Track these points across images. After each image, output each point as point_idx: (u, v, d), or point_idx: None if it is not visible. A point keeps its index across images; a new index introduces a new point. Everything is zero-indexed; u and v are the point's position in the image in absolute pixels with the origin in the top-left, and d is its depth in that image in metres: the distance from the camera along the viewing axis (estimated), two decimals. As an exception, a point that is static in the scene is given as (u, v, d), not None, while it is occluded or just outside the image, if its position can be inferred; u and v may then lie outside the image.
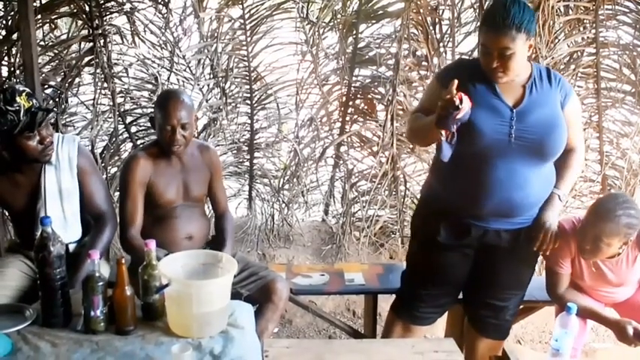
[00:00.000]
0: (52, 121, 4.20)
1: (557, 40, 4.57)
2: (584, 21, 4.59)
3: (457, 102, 2.23)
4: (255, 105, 4.96)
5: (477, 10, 4.51)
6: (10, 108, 2.52)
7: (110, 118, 4.67)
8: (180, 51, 4.67)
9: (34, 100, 2.62)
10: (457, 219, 2.69)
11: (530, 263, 2.89)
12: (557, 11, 4.41)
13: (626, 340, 2.80)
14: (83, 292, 2.22)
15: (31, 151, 2.65)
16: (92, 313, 2.22)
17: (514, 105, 2.51)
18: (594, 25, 4.54)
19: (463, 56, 4.61)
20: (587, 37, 4.63)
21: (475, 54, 4.39)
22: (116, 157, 4.79)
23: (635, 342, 2.77)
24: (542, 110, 2.51)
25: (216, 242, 3.13)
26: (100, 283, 2.20)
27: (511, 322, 3.03)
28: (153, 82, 4.68)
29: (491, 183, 2.52)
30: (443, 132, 2.33)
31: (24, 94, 2.58)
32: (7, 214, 3.54)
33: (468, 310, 3.07)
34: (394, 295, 3.16)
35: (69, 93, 4.62)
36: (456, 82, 2.26)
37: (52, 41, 4.71)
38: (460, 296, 3.04)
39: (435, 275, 2.87)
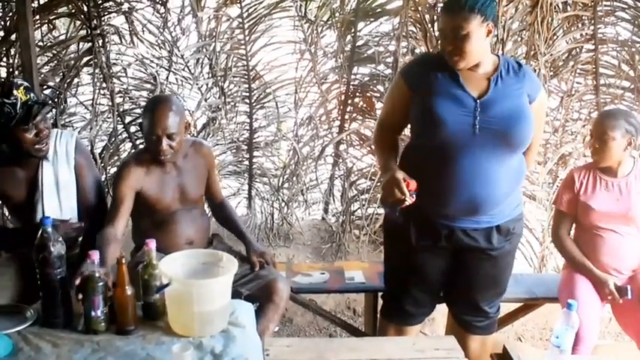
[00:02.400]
0: (52, 119, 4.22)
1: (555, 37, 4.57)
2: (583, 17, 4.60)
3: (408, 200, 2.39)
4: (254, 104, 4.97)
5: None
6: (7, 101, 2.55)
7: (109, 118, 4.68)
8: (179, 50, 4.69)
9: (32, 94, 2.64)
10: (424, 218, 2.66)
11: (506, 261, 2.82)
12: (555, 8, 4.40)
13: (606, 294, 3.02)
14: (83, 293, 2.22)
15: (27, 144, 2.66)
16: (93, 314, 2.21)
17: (479, 96, 2.47)
18: (593, 21, 4.55)
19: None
20: (586, 34, 4.64)
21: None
22: (115, 157, 4.80)
23: (614, 296, 3.00)
24: (508, 102, 2.46)
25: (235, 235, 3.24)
26: (100, 284, 2.19)
27: (496, 317, 3.01)
28: (152, 81, 4.70)
29: (455, 179, 2.49)
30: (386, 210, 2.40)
31: (22, 87, 2.60)
32: (6, 214, 3.55)
33: (450, 309, 3.05)
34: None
35: (68, 93, 4.63)
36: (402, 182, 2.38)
37: (50, 42, 4.72)
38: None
39: (411, 276, 2.83)
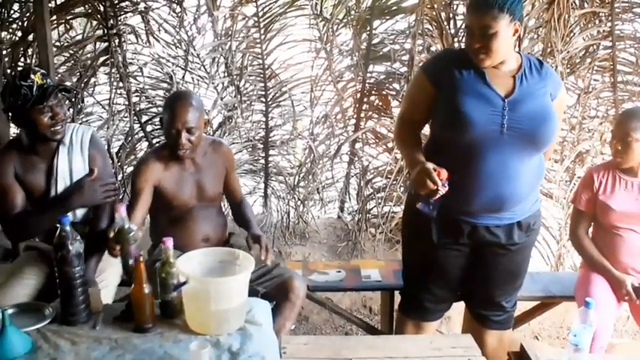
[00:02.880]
0: (68, 106, 4.25)
1: (572, 34, 4.55)
2: (600, 14, 4.56)
3: (441, 190, 2.30)
4: (270, 102, 4.98)
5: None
6: (23, 83, 2.64)
7: (126, 117, 4.71)
8: (195, 49, 4.70)
9: (48, 80, 2.73)
10: (447, 215, 2.62)
11: (524, 255, 2.82)
12: (572, 4, 4.39)
13: (623, 295, 3.00)
14: (119, 245, 2.42)
15: (43, 126, 2.72)
16: (131, 262, 2.36)
17: (505, 95, 2.46)
18: (610, 17, 4.52)
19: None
20: (603, 30, 4.60)
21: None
22: (132, 157, 4.82)
23: (631, 296, 2.98)
24: (534, 101, 2.46)
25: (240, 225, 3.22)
26: (132, 233, 2.38)
27: (513, 312, 3.01)
28: (168, 81, 4.71)
29: (481, 178, 2.48)
30: (420, 205, 2.36)
31: (39, 73, 2.70)
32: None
33: (467, 305, 3.05)
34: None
35: (85, 93, 4.65)
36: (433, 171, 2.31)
37: (67, 42, 4.75)
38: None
39: (431, 272, 2.84)
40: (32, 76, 2.67)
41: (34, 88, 2.65)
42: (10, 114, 2.76)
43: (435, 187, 2.29)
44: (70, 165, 2.88)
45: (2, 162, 2.82)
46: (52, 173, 2.85)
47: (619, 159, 3.05)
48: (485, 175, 2.48)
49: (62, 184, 2.86)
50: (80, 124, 4.45)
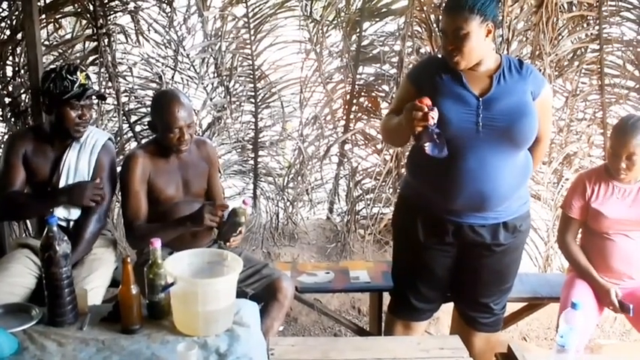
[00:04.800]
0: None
1: (560, 37, 4.58)
2: (588, 17, 4.59)
3: (429, 113, 2.28)
4: (260, 103, 4.97)
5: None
6: (69, 77, 2.86)
7: (115, 117, 4.69)
8: (185, 50, 4.69)
9: (90, 82, 2.93)
10: (432, 214, 2.70)
11: (512, 257, 2.84)
12: (560, 8, 4.41)
13: (607, 303, 3.00)
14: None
15: (69, 121, 2.89)
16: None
17: (481, 94, 2.51)
18: (598, 21, 4.54)
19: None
20: (591, 34, 4.63)
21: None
22: (121, 157, 4.79)
23: (615, 307, 2.97)
24: (510, 99, 2.50)
25: None
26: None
27: (502, 315, 3.02)
28: (157, 81, 4.69)
29: (461, 175, 2.52)
30: (427, 144, 2.35)
31: (85, 73, 2.91)
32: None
33: (456, 306, 3.07)
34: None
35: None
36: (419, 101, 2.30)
37: (56, 41, 4.72)
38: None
39: (419, 272, 2.87)
40: (78, 73, 2.89)
41: (77, 84, 2.85)
42: (43, 98, 2.93)
43: (423, 112, 2.28)
44: (77, 163, 2.98)
45: (15, 142, 2.99)
46: (59, 166, 2.96)
47: (624, 176, 2.98)
48: (465, 172, 2.53)
49: (64, 178, 2.96)
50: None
